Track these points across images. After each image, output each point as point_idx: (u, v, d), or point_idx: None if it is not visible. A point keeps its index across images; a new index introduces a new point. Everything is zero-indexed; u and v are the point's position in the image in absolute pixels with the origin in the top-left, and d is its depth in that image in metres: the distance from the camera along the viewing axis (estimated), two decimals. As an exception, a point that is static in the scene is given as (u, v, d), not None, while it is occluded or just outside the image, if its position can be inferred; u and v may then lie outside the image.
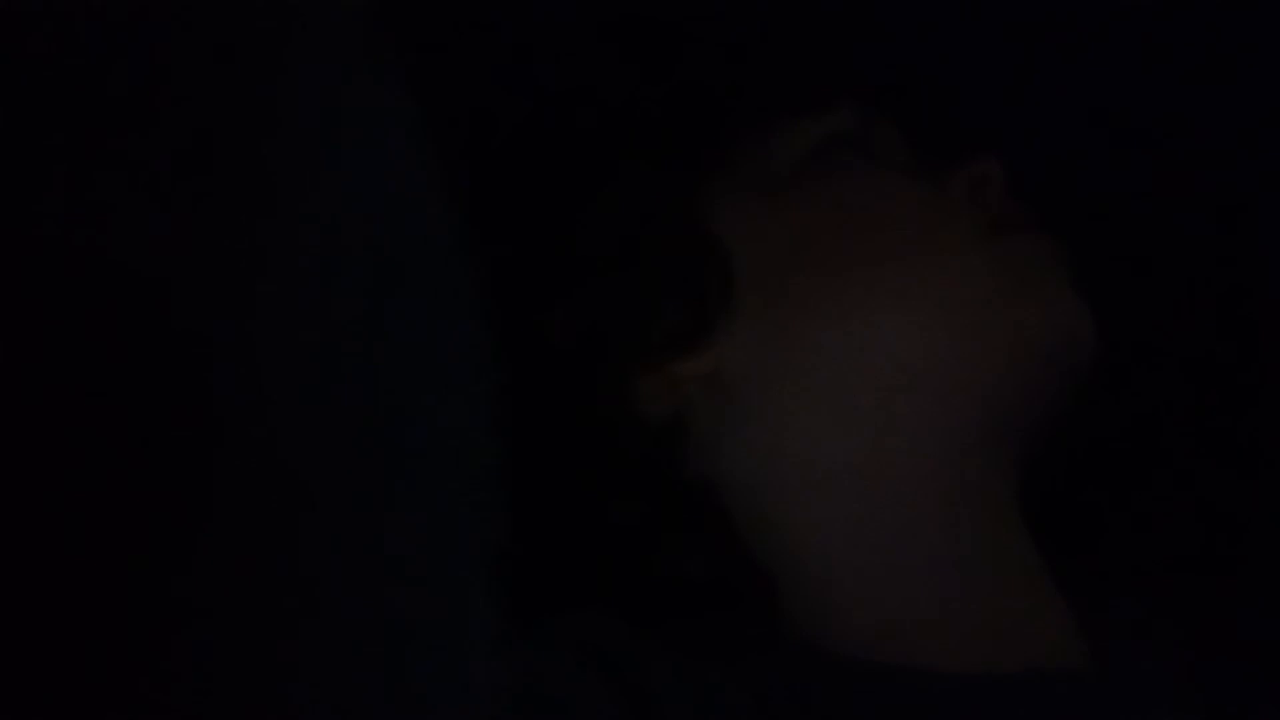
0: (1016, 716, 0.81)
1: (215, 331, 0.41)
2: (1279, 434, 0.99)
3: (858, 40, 0.99)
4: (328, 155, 0.42)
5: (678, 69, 0.93)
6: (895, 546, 0.83)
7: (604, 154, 0.89)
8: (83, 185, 0.40)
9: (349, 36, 0.43)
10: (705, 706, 0.78)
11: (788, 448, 0.84)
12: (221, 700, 0.41)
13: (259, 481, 0.41)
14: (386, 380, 0.43)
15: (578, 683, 0.77)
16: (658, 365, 0.85)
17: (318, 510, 0.42)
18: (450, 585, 0.46)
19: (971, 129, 0.94)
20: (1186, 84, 1.00)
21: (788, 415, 0.84)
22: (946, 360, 0.84)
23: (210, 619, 0.41)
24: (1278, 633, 0.90)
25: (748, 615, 0.83)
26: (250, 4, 0.42)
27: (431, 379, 0.45)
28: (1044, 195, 0.89)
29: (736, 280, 0.86)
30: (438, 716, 0.45)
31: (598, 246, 0.87)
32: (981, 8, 1.00)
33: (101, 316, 0.40)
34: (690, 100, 0.90)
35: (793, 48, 0.97)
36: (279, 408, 0.41)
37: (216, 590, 0.41)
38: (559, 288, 0.87)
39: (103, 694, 0.40)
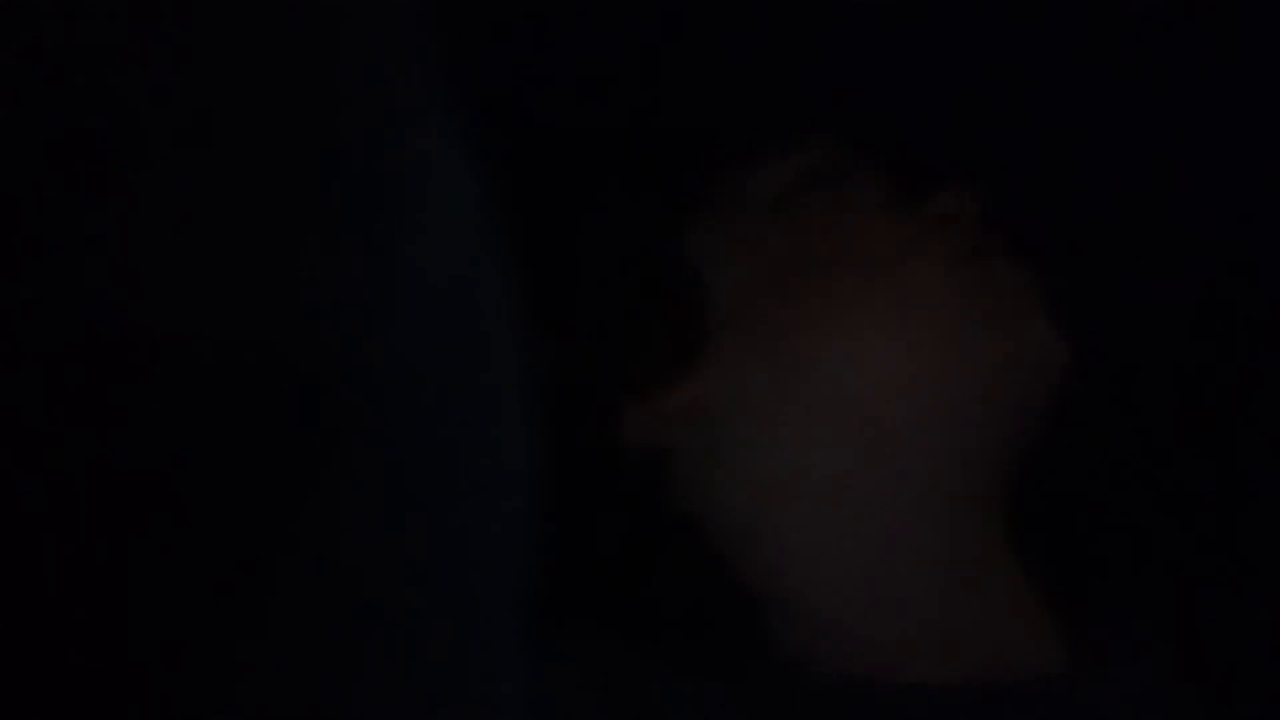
0: None
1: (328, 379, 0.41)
2: (1268, 444, 1.00)
3: (835, 73, 1.00)
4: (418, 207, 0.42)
5: (658, 103, 0.94)
6: (880, 565, 0.85)
7: (583, 189, 0.89)
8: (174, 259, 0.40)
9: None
10: None
11: (772, 473, 0.85)
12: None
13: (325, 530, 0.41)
14: (438, 413, 0.43)
15: (577, 703, 0.77)
16: (640, 399, 0.86)
17: (368, 543, 0.42)
18: (485, 615, 0.46)
19: (947, 157, 0.96)
20: (1171, 98, 1.01)
21: (771, 442, 0.85)
22: (925, 383, 0.85)
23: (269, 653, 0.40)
24: (1272, 636, 0.91)
25: (737, 634, 0.84)
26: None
27: (484, 412, 0.44)
28: (1027, 216, 0.91)
29: (716, 312, 0.87)
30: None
31: (577, 282, 0.86)
32: (958, 39, 1.01)
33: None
34: (671, 134, 0.91)
35: (772, 81, 0.99)
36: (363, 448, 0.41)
37: (280, 631, 0.41)
38: (539, 324, 0.87)
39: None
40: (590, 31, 0.98)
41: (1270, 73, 1.00)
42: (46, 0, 0.41)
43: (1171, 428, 1.00)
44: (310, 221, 0.41)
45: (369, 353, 0.42)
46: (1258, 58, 1.00)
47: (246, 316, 0.40)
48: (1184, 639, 0.90)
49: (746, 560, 0.85)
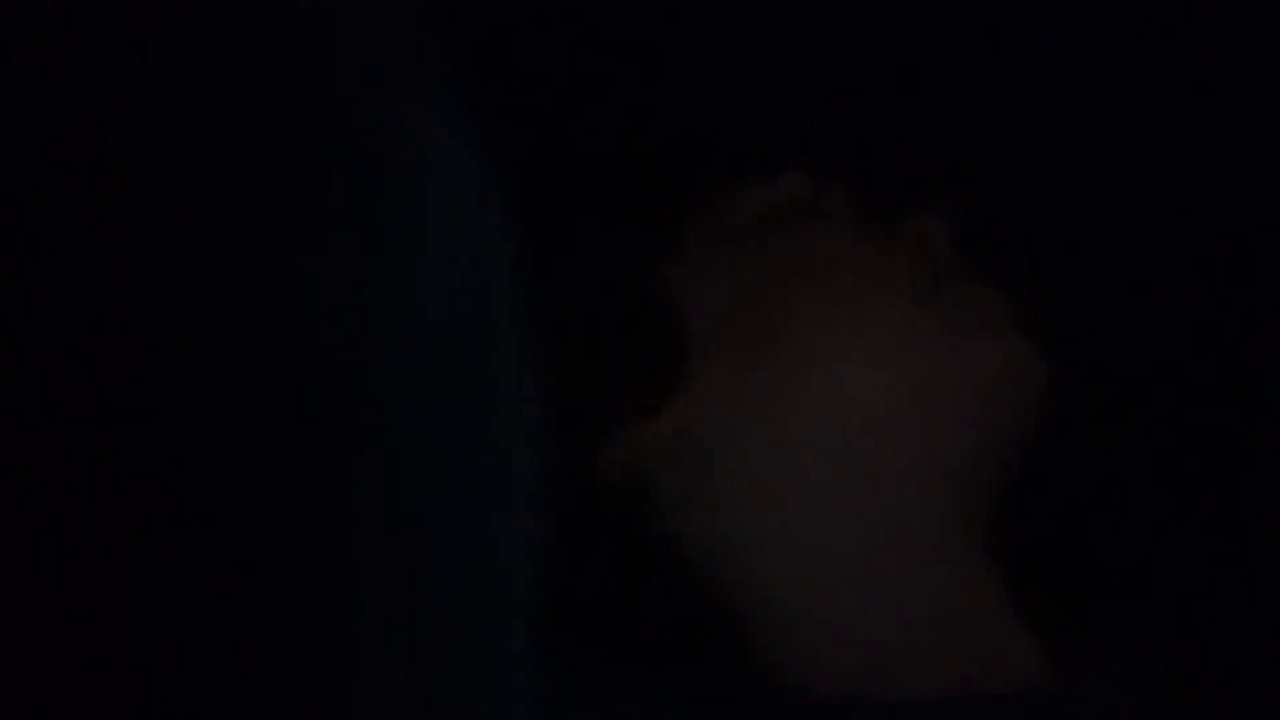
0: None
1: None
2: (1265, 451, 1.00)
3: (813, 101, 1.00)
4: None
5: (634, 134, 0.95)
6: (863, 584, 0.86)
7: (560, 221, 0.89)
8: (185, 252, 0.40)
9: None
10: None
11: (754, 496, 0.86)
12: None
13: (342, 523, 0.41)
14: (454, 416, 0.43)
15: None
16: (622, 427, 0.87)
17: (376, 544, 0.42)
18: (494, 621, 0.46)
19: (932, 171, 0.97)
20: (1171, 98, 1.01)
21: (753, 466, 0.86)
22: (901, 405, 0.86)
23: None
24: (1254, 649, 0.91)
25: (724, 655, 0.85)
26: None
27: (489, 409, 0.44)
28: (1009, 232, 0.93)
29: (696, 340, 0.88)
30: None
31: (554, 314, 0.87)
32: (958, 39, 1.01)
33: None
34: (649, 164, 0.92)
35: (750, 110, 0.99)
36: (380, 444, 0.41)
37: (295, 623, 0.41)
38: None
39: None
40: (562, 60, 0.98)
41: (1270, 73, 1.00)
42: (47, 0, 0.41)
43: (1159, 436, 1.00)
44: (311, 220, 0.41)
45: (369, 352, 0.42)
46: (1258, 58, 1.00)
47: (246, 315, 0.40)
48: (1167, 651, 0.91)
49: (731, 582, 0.86)
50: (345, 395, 0.41)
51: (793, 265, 0.89)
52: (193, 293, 0.40)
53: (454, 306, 0.43)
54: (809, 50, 1.01)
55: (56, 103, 0.40)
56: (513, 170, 0.90)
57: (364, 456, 0.42)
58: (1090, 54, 1.01)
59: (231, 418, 0.40)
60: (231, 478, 0.40)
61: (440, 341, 0.43)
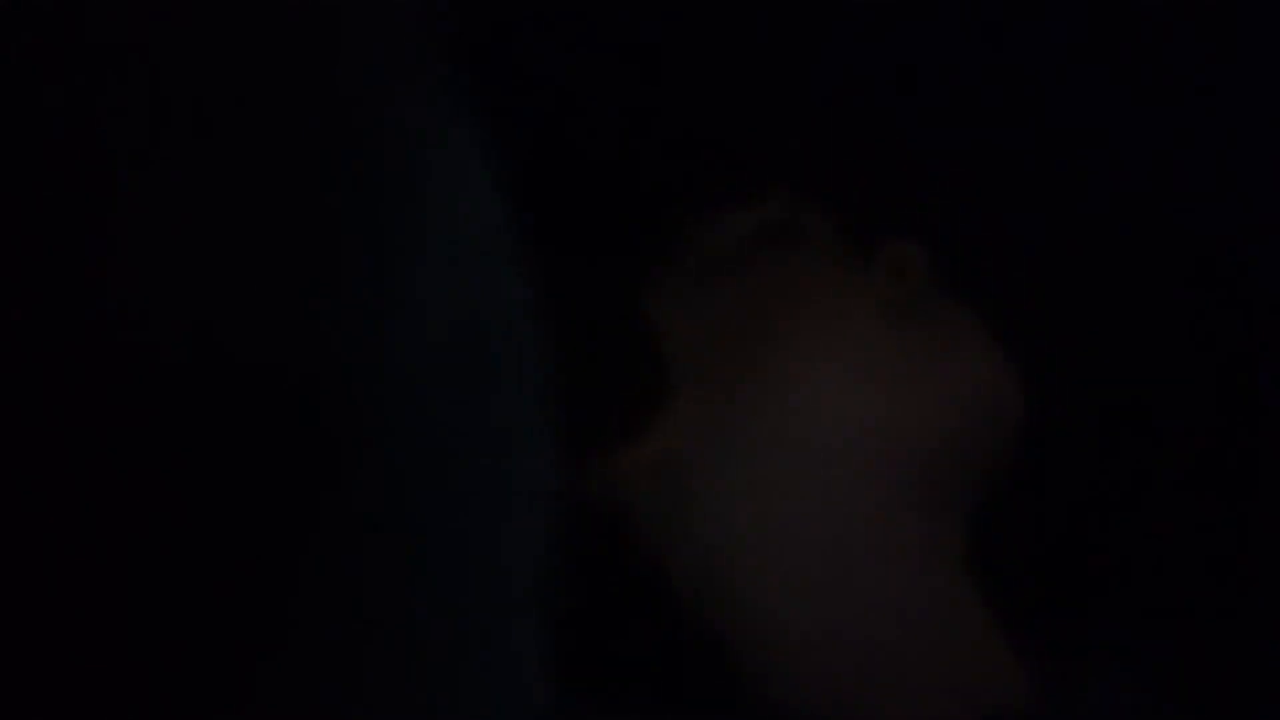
0: None
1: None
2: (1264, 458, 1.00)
3: (792, 130, 1.00)
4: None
5: (614, 163, 0.95)
6: (843, 605, 0.86)
7: (540, 249, 0.90)
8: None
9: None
10: None
11: (735, 522, 0.87)
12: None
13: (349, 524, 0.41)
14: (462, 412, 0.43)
15: None
16: (602, 455, 0.88)
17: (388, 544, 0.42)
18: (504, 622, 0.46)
19: (902, 202, 0.97)
20: (1171, 98, 1.01)
21: (733, 492, 0.87)
22: (880, 425, 0.87)
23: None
24: (1240, 669, 0.91)
25: (705, 682, 0.86)
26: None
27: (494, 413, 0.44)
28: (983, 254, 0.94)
29: (676, 367, 0.89)
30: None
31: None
32: (958, 39, 1.01)
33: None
34: (628, 191, 0.93)
35: (728, 138, 0.99)
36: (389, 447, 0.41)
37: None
38: None
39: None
40: (544, 85, 0.98)
41: (1270, 73, 1.00)
42: (47, 0, 0.41)
43: (1144, 451, 1.00)
44: (311, 220, 0.41)
45: (369, 352, 0.42)
46: (1258, 58, 1.00)
47: (246, 316, 0.40)
48: (1153, 672, 0.91)
49: (712, 609, 0.86)
50: (345, 396, 0.41)
51: (771, 290, 0.90)
52: (192, 293, 0.40)
53: (455, 307, 0.43)
54: (808, 50, 1.01)
55: (56, 103, 0.40)
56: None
57: (363, 457, 0.42)
58: (1090, 54, 1.01)
59: (230, 418, 0.40)
60: (230, 478, 0.40)
61: (441, 342, 0.43)
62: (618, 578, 0.87)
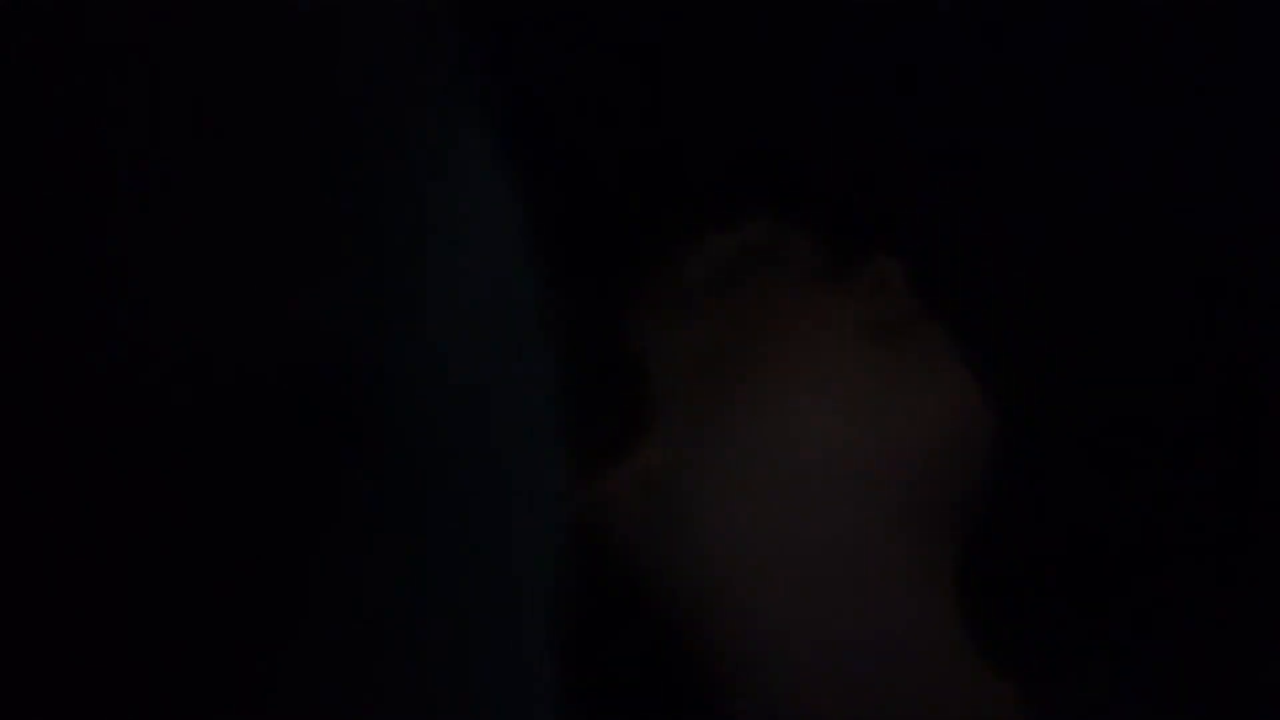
0: None
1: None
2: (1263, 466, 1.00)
3: (773, 151, 1.01)
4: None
5: (598, 185, 0.96)
6: (828, 624, 0.87)
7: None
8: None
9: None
10: None
11: (719, 541, 0.87)
12: None
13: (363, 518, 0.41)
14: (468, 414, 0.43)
15: None
16: (587, 476, 0.88)
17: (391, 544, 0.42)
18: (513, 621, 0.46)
19: (883, 222, 0.99)
20: (1171, 98, 1.01)
21: (717, 513, 0.87)
22: (859, 446, 0.88)
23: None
24: (1231, 691, 0.92)
25: (690, 703, 0.87)
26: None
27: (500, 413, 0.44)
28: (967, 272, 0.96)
29: (659, 389, 0.89)
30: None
31: None
32: (958, 39, 1.01)
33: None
34: (612, 213, 0.94)
35: (711, 161, 1.00)
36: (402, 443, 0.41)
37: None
38: None
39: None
40: (529, 109, 0.98)
41: (1270, 73, 1.00)
42: (47, 0, 0.41)
43: (1132, 465, 1.01)
44: (312, 221, 0.41)
45: (371, 353, 0.42)
46: (1258, 58, 1.00)
47: (247, 317, 0.40)
48: (1139, 690, 0.91)
49: (697, 630, 0.87)
50: (347, 396, 0.41)
51: (754, 311, 0.91)
52: (193, 294, 0.40)
53: (459, 309, 0.43)
54: (806, 49, 1.01)
55: (56, 103, 0.40)
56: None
57: (366, 458, 0.42)
58: (1090, 54, 1.01)
59: (232, 419, 0.40)
60: (232, 480, 0.40)
61: (444, 344, 0.43)
62: (603, 597, 0.87)
